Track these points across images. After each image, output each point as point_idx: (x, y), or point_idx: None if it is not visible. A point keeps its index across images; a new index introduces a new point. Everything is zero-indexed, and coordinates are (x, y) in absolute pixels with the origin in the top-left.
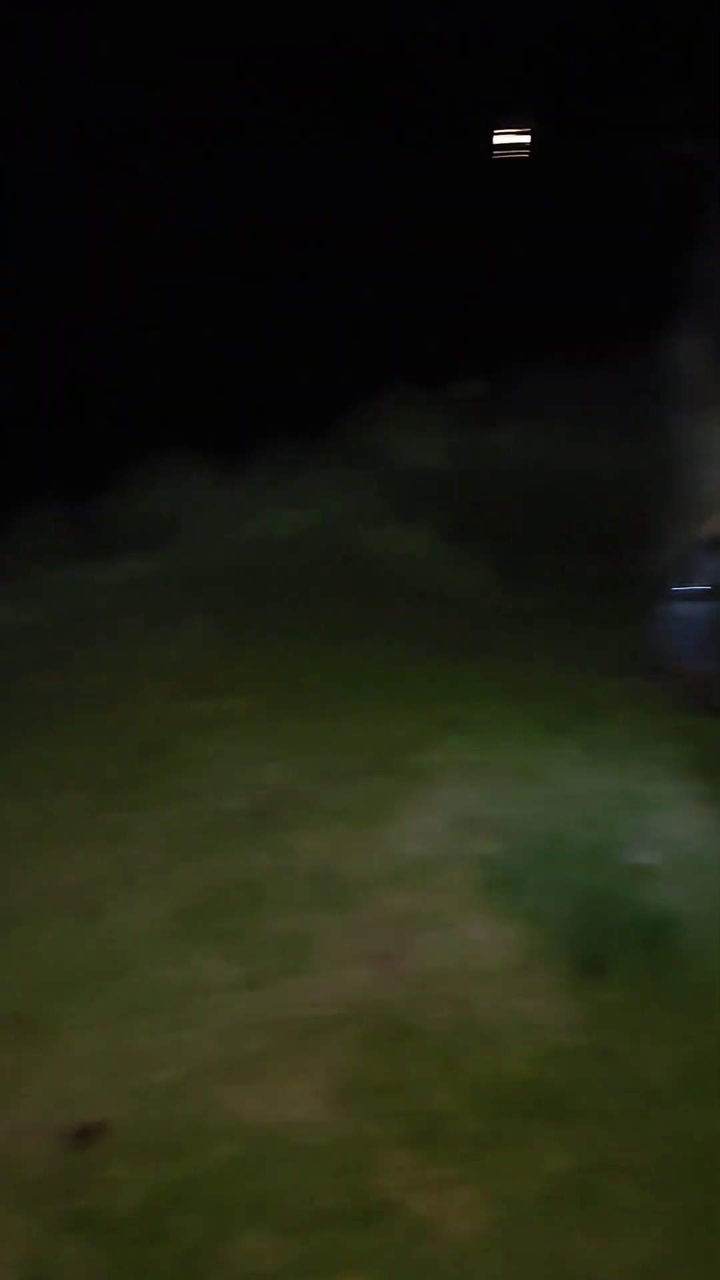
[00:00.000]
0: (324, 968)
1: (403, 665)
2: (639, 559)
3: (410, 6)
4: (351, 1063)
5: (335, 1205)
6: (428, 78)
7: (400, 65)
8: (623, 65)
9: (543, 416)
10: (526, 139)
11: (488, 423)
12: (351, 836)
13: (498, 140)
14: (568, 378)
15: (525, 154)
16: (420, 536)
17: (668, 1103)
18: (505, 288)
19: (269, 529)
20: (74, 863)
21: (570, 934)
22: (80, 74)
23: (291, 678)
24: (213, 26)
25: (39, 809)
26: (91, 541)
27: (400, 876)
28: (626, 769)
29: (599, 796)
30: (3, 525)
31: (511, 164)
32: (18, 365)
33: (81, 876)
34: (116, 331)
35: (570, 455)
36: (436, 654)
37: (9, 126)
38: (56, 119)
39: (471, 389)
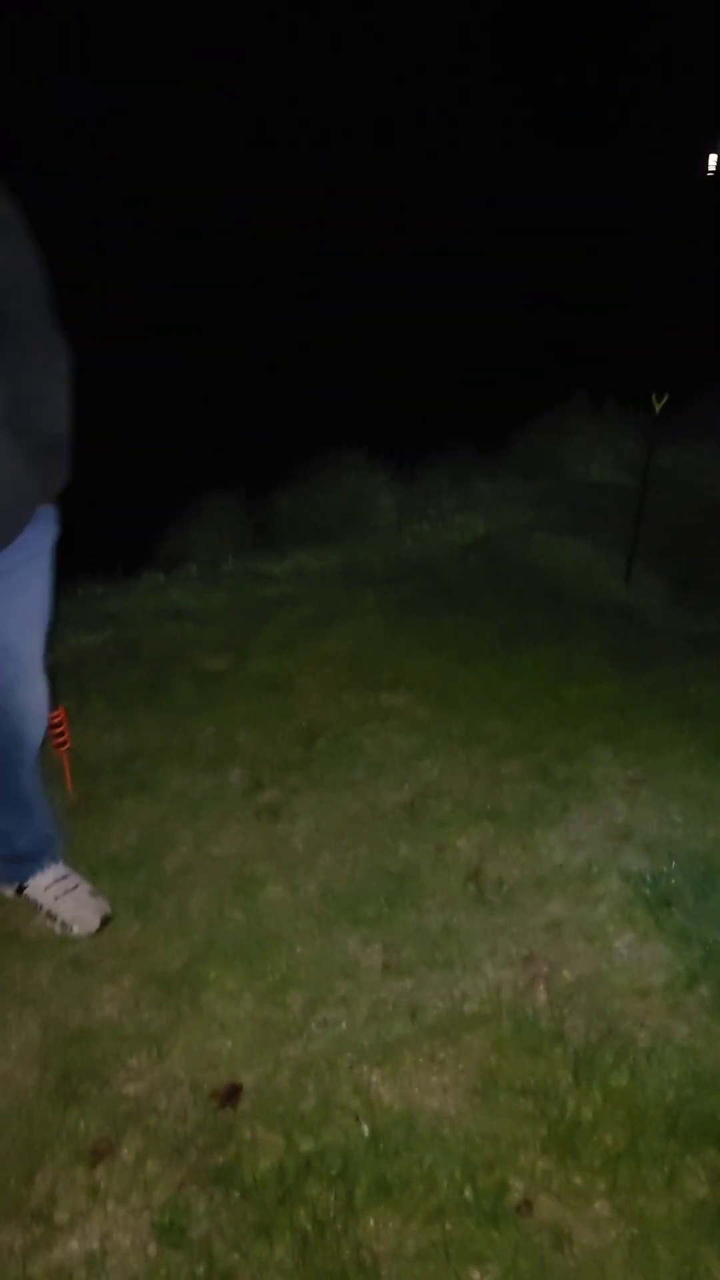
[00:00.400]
0: (468, 963)
1: (567, 676)
2: None
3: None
4: (491, 1060)
5: (472, 1200)
6: (644, 96)
7: (617, 82)
8: None
9: None
10: None
11: (672, 440)
12: (503, 838)
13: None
14: None
15: None
16: (595, 551)
17: None
18: (701, 303)
19: (442, 533)
20: (232, 836)
21: None
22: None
23: (455, 678)
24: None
25: (204, 783)
26: (267, 534)
27: (550, 883)
28: None
29: None
30: (184, 514)
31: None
32: (207, 356)
33: (239, 850)
34: (305, 329)
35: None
36: (603, 667)
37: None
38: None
39: (657, 405)
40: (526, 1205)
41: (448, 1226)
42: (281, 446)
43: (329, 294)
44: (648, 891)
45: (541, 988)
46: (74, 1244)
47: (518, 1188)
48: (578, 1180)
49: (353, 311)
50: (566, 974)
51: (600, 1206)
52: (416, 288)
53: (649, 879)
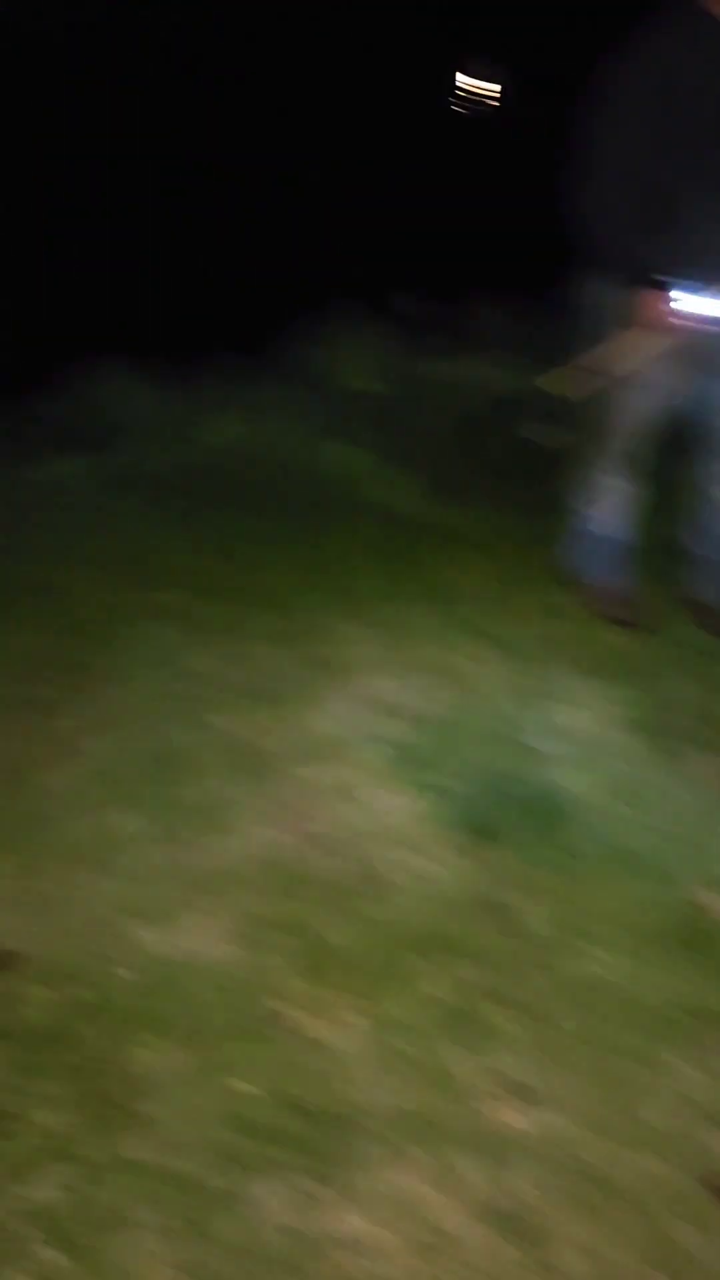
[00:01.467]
0: (236, 828)
1: (332, 570)
2: (566, 483)
3: None
4: (252, 906)
5: (230, 1021)
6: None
7: None
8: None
9: (488, 344)
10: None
11: (431, 347)
12: (271, 717)
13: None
14: (518, 305)
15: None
16: (356, 454)
17: (547, 948)
18: (466, 211)
19: (205, 438)
20: (4, 732)
21: (468, 806)
22: None
23: (220, 575)
24: None
25: None
26: (24, 441)
27: (313, 753)
28: (534, 668)
29: (506, 691)
30: None
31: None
32: None
33: (11, 745)
34: (58, 231)
35: (512, 382)
36: (366, 562)
37: None
38: None
39: (417, 312)
40: (281, 1020)
41: (209, 1047)
42: (38, 352)
43: (90, 192)
44: (404, 754)
45: (300, 841)
46: None
47: (273, 1007)
48: (329, 995)
49: (110, 217)
50: (326, 829)
51: (349, 1015)
52: (175, 195)
53: (399, 743)
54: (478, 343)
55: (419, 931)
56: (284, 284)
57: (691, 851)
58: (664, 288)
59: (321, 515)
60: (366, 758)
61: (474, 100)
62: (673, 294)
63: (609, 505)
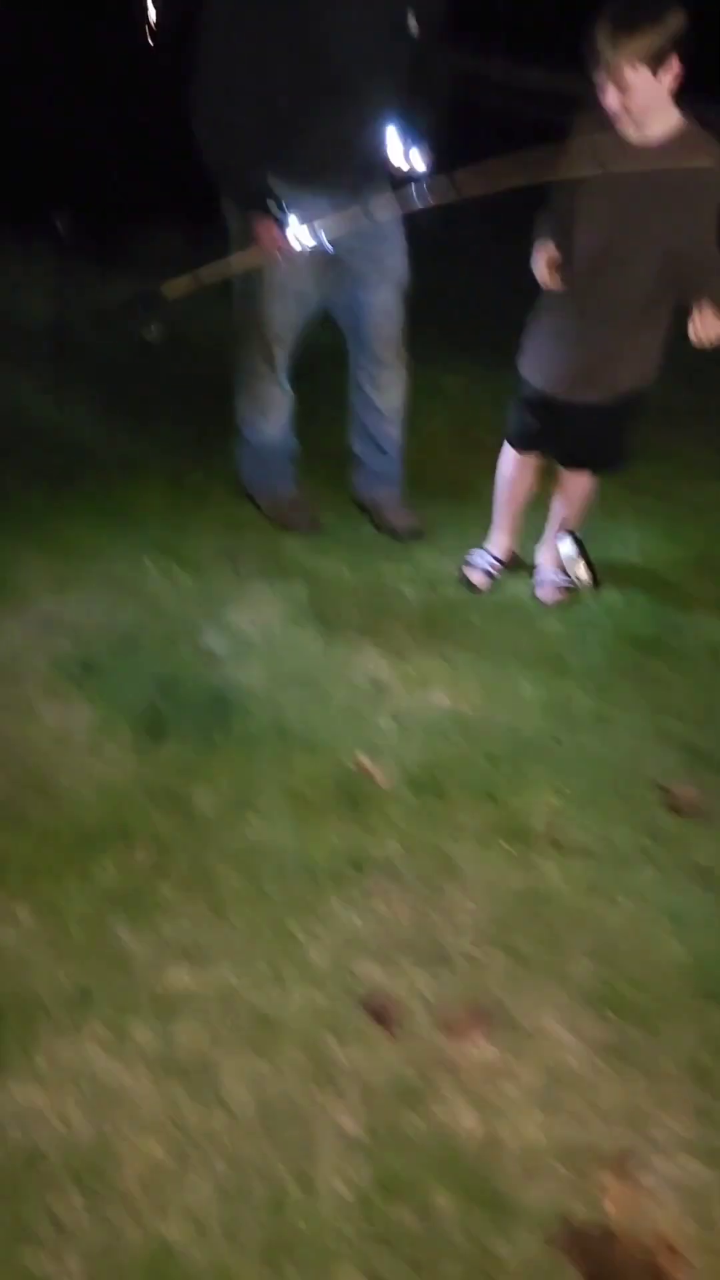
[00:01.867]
0: None
1: (4, 497)
2: (236, 400)
3: None
4: None
5: None
6: None
7: None
8: None
9: (157, 265)
10: None
11: (98, 270)
12: None
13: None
14: (180, 229)
15: None
16: (22, 380)
17: (214, 825)
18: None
19: None
20: None
21: (141, 710)
22: None
23: None
24: None
25: None
26: None
27: None
28: (208, 577)
29: (184, 602)
30: None
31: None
32: None
33: None
34: None
35: (178, 309)
36: (39, 487)
37: None
38: None
39: (85, 234)
40: None
41: None
42: None
43: None
44: (74, 668)
45: None
46: None
47: None
48: (4, 901)
49: None
50: None
51: (25, 915)
52: None
53: (75, 658)
54: (146, 264)
55: (92, 829)
56: None
57: (353, 723)
58: (276, 214)
59: None
60: (42, 675)
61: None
62: (287, 219)
63: (273, 416)
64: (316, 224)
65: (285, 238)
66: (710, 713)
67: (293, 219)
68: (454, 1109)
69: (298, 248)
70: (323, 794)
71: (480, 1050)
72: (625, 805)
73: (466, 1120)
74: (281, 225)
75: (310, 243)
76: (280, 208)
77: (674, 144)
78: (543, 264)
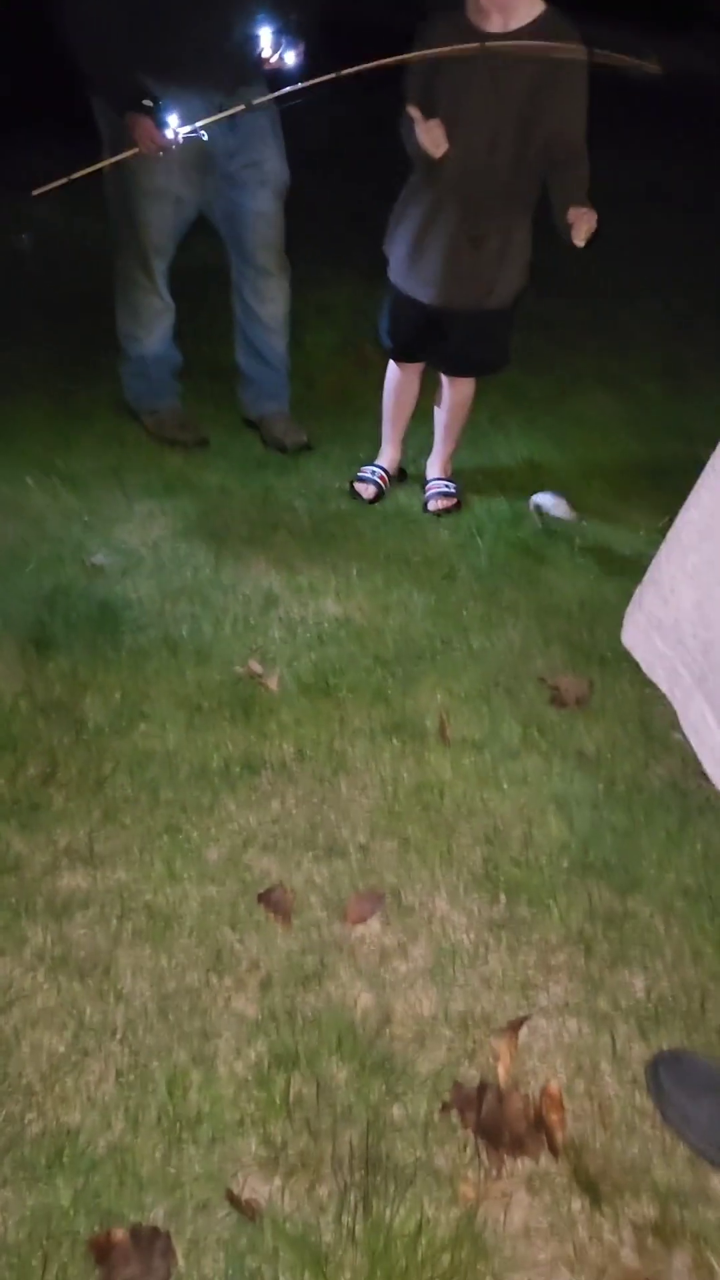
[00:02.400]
0: None
1: None
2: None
3: None
4: None
5: None
6: None
7: None
8: None
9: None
10: None
11: None
12: None
13: None
14: (55, 138)
15: None
16: None
17: (104, 733)
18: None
19: None
20: None
21: (28, 625)
22: None
23: None
24: None
25: None
26: None
27: None
28: (93, 494)
29: (70, 519)
30: None
31: None
32: None
33: None
34: None
35: (60, 222)
36: None
37: None
38: None
39: None
40: None
41: None
42: None
43: None
44: None
45: None
46: None
47: None
48: None
49: None
50: None
51: None
52: None
53: None
54: (15, 175)
55: None
56: None
57: (244, 633)
58: (150, 111)
59: None
60: None
61: None
62: (164, 117)
63: (153, 328)
64: (193, 121)
65: (162, 134)
66: (591, 610)
67: (171, 117)
68: (349, 989)
69: (175, 141)
70: (215, 701)
71: (374, 933)
72: (512, 700)
73: (362, 998)
74: (159, 123)
75: (187, 134)
76: (156, 105)
77: (539, 29)
78: (430, 127)
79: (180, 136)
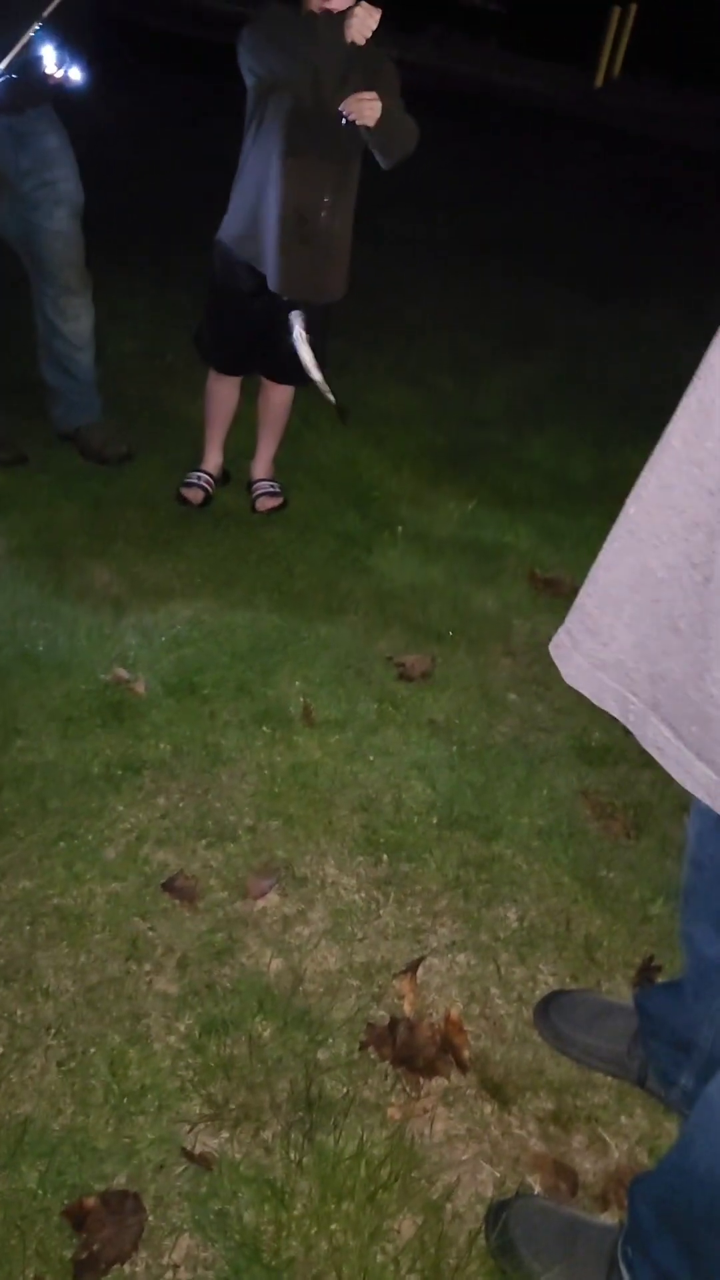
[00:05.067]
0: None
1: None
2: None
3: None
4: None
5: None
6: None
7: None
8: None
9: None
10: None
11: None
12: None
13: None
14: None
15: None
16: None
17: None
18: None
19: None
20: None
21: None
22: None
23: None
24: None
25: None
26: None
27: None
28: None
29: None
30: None
31: None
32: None
33: None
34: None
35: None
36: None
37: None
38: None
39: None
40: None
41: None
42: None
43: None
44: None
45: None
46: None
47: None
48: None
49: None
50: None
51: None
52: None
53: None
54: None
55: None
56: None
57: (98, 640)
58: None
59: None
60: None
61: None
62: None
63: None
64: None
65: None
66: (422, 592)
67: None
68: (260, 957)
69: None
70: (85, 710)
71: (275, 905)
72: (364, 680)
73: (273, 964)
74: None
75: None
76: None
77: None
78: None
79: None
